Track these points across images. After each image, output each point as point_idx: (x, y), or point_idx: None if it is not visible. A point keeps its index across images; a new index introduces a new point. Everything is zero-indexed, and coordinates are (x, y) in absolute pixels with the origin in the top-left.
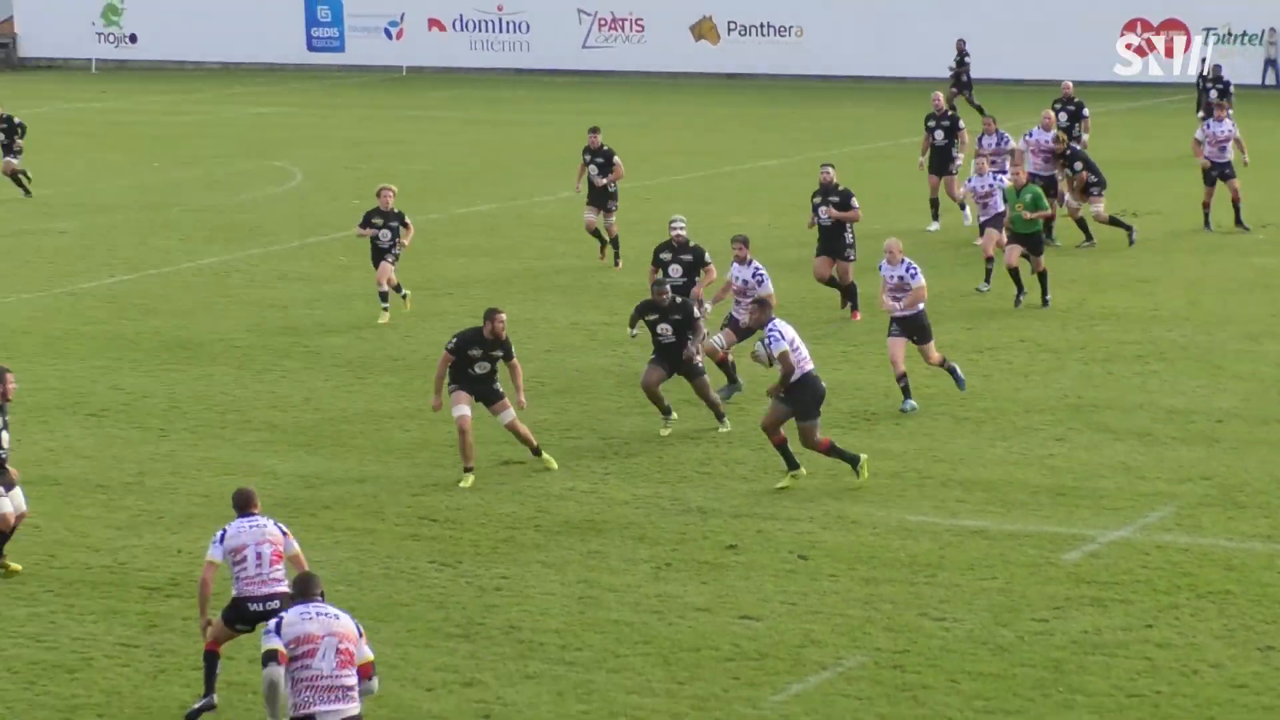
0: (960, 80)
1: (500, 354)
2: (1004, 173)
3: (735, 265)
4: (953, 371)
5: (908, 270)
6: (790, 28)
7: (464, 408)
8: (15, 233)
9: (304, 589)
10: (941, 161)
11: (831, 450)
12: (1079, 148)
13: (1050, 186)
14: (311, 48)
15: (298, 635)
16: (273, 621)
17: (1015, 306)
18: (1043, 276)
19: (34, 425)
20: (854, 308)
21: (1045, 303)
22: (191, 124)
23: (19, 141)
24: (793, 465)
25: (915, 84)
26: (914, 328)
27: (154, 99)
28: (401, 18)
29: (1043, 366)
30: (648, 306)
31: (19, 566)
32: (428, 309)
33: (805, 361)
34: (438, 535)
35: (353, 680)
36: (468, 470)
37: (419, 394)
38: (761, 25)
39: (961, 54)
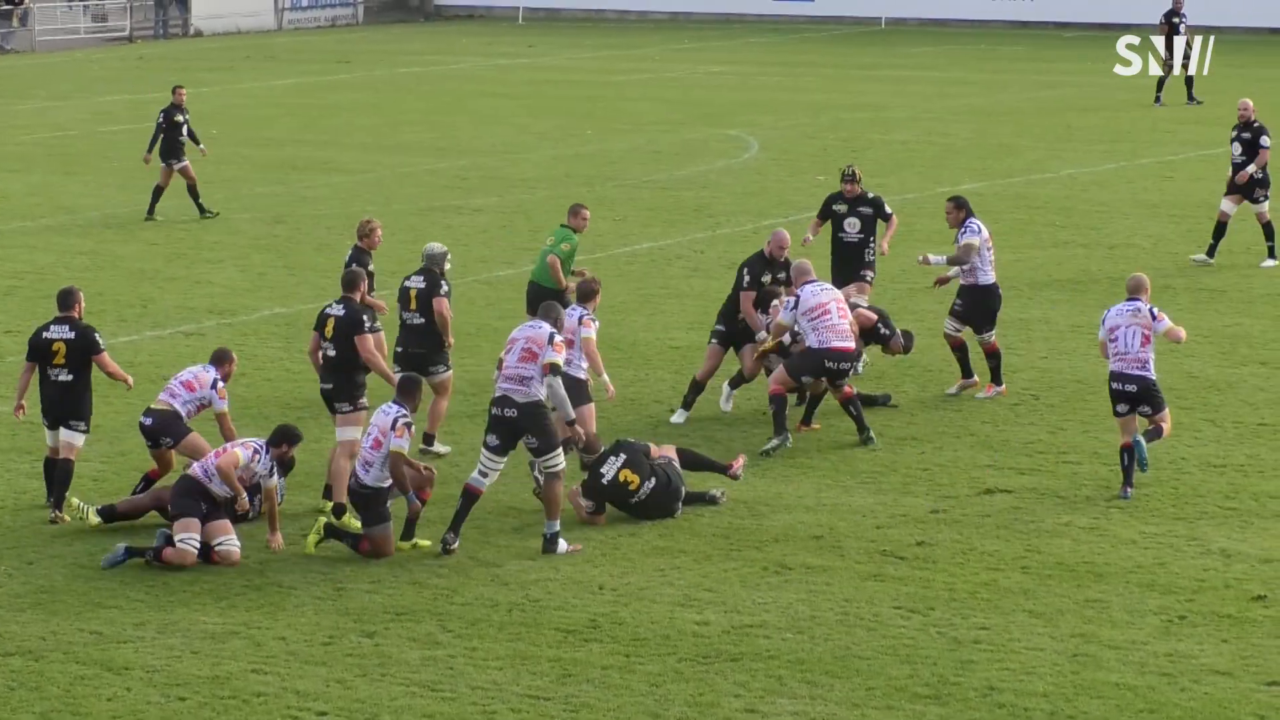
0: None
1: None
2: None
3: None
4: None
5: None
6: None
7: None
8: (423, 210)
9: None
10: None
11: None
12: None
13: None
14: None
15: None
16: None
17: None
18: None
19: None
20: None
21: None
22: (632, 85)
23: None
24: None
25: None
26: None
27: (588, 55)
28: None
29: None
30: None
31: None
32: (905, 306)
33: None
34: (905, 576)
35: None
36: None
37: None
38: None
39: None
